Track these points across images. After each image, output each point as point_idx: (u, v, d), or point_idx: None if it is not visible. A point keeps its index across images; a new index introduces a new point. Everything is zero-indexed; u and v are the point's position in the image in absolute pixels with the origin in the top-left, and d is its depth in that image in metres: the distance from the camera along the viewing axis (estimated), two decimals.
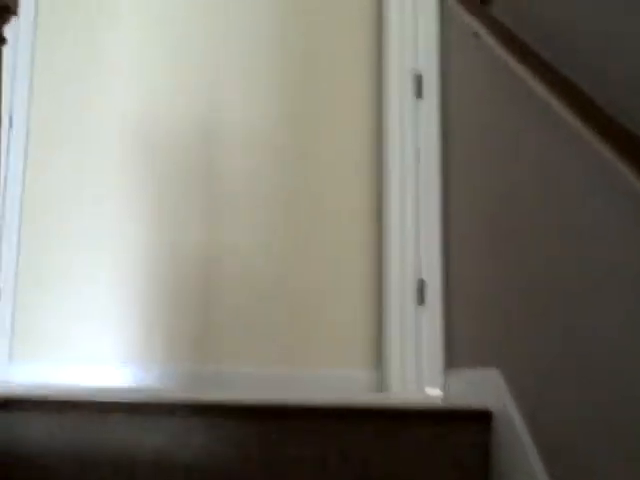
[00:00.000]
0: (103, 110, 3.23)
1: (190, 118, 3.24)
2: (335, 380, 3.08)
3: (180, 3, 3.31)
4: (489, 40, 1.89)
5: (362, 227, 3.21)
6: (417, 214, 3.14)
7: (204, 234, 3.17)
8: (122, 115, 3.23)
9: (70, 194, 3.19)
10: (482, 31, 1.92)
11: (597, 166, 1.52)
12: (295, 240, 3.19)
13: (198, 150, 3.22)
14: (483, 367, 2.12)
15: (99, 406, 1.96)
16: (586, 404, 1.59)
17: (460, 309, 2.36)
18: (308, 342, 3.13)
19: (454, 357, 2.39)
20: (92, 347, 3.08)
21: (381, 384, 3.10)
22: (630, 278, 1.40)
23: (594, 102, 1.45)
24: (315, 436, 2.01)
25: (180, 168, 3.21)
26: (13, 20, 2.06)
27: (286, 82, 3.27)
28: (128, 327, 3.10)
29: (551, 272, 1.76)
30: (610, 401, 1.48)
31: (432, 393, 2.98)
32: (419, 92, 3.18)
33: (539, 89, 1.68)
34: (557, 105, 1.57)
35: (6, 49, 1.96)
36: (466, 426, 2.07)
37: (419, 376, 3.07)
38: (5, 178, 3.09)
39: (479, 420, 2.07)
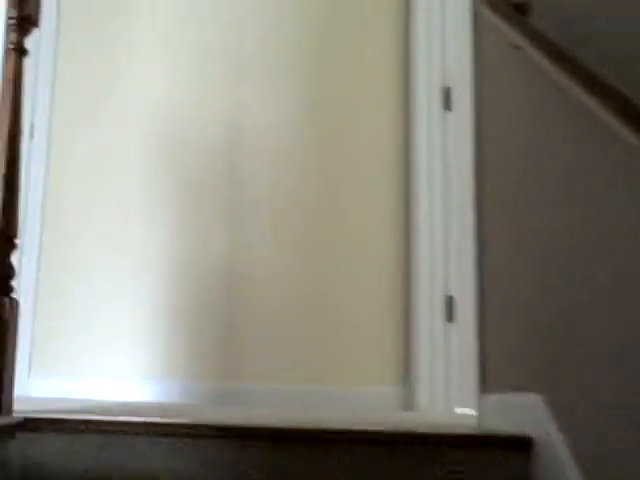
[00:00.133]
0: (125, 117, 3.17)
1: (214, 124, 3.19)
2: (362, 397, 3.01)
3: (205, 5, 3.26)
4: (533, 53, 1.82)
5: (389, 242, 3.15)
6: (446, 228, 3.08)
7: (227, 247, 3.11)
8: (144, 121, 3.17)
9: (92, 204, 3.13)
10: (525, 44, 1.85)
11: None
12: (320, 255, 3.13)
13: (221, 157, 3.16)
14: (522, 392, 2.05)
15: (121, 427, 1.90)
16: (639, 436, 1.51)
17: (495, 330, 2.28)
18: (333, 358, 3.06)
19: (489, 380, 2.31)
20: (113, 362, 3.02)
21: (409, 402, 3.03)
22: None
23: None
24: (347, 462, 1.94)
25: (203, 176, 3.15)
26: (35, 31, 2.02)
27: (312, 93, 3.21)
28: (150, 342, 3.04)
29: (600, 293, 1.69)
30: None
31: (462, 413, 2.91)
32: (447, 104, 3.12)
33: (593, 106, 1.62)
34: (613, 121, 1.50)
35: (28, 58, 1.92)
36: (506, 454, 1.99)
37: (448, 395, 3.01)
38: (26, 188, 3.04)
39: (519, 448, 1.99)
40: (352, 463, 1.97)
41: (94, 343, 3.04)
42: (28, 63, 1.97)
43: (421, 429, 2.07)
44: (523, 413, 2.07)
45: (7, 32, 1.89)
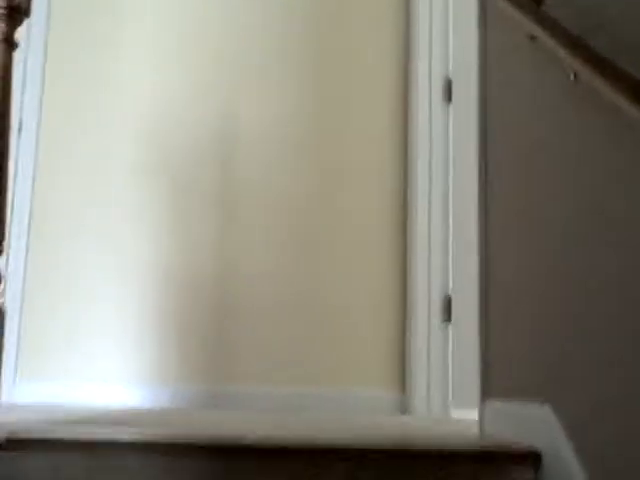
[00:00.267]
0: (114, 115, 3.05)
1: (205, 123, 3.07)
2: (357, 400, 2.92)
3: (198, 1, 3.14)
4: (548, 42, 1.71)
5: (386, 240, 3.05)
6: (445, 226, 2.99)
7: (218, 247, 3.00)
8: (134, 119, 3.05)
9: (80, 204, 3.01)
10: (540, 32, 1.75)
11: None
12: (314, 254, 3.02)
13: (213, 156, 3.05)
14: (530, 402, 1.95)
15: (110, 446, 1.78)
16: None
17: (499, 333, 2.18)
18: (328, 360, 2.96)
19: (492, 386, 2.21)
20: (101, 366, 2.90)
21: (405, 405, 2.95)
22: None
23: None
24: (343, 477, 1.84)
25: (193, 176, 3.04)
26: (25, 22, 1.90)
27: (307, 85, 3.10)
28: (139, 345, 2.93)
29: (614, 296, 1.58)
30: None
31: (460, 417, 2.83)
32: (448, 96, 3.03)
33: (610, 95, 1.52)
34: (630, 109, 1.40)
35: (17, 52, 1.81)
36: (512, 468, 1.89)
37: (445, 397, 2.93)
38: (14, 186, 2.92)
39: (526, 461, 1.89)
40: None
41: (82, 347, 2.92)
42: (17, 58, 1.87)
43: (421, 442, 1.97)
44: (531, 425, 1.97)
45: None
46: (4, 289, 2.82)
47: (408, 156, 3.06)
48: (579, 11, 1.90)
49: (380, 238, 3.04)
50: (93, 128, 3.04)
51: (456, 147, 3.00)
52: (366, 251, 3.03)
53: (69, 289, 2.95)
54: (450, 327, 2.96)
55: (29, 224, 2.97)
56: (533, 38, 1.81)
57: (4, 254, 1.72)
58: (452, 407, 2.92)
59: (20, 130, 2.98)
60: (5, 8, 1.78)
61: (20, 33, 1.84)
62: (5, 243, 1.72)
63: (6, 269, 2.86)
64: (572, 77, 1.77)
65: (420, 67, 3.04)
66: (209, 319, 2.94)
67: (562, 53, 1.76)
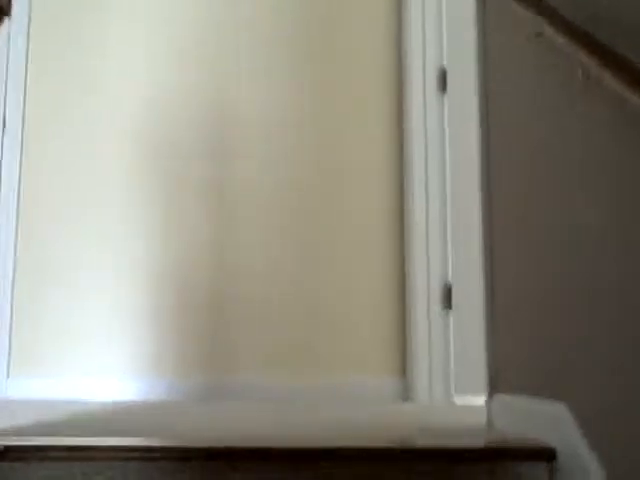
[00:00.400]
0: (103, 112, 3.01)
1: (198, 119, 3.05)
2: (358, 388, 2.92)
3: None
4: (558, 40, 1.69)
5: (383, 228, 3.05)
6: (443, 213, 2.98)
7: (214, 241, 2.99)
8: (123, 114, 3.02)
9: (69, 198, 2.98)
10: (548, 30, 1.72)
11: None
12: (312, 242, 3.02)
13: (207, 151, 3.03)
14: (542, 398, 1.95)
15: (108, 452, 1.77)
16: None
17: (508, 326, 2.17)
18: (327, 349, 2.97)
19: (500, 379, 2.22)
20: (96, 360, 2.89)
21: (407, 392, 2.94)
22: None
23: None
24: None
25: (187, 172, 3.02)
26: (6, 20, 1.85)
27: (300, 79, 3.08)
28: (135, 338, 2.92)
29: (628, 285, 1.58)
30: None
31: (463, 404, 2.82)
32: (443, 86, 3.00)
33: (629, 96, 1.50)
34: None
35: None
36: (526, 465, 1.89)
37: (447, 384, 2.93)
38: None
39: (541, 458, 1.89)
40: None
41: (76, 341, 2.90)
42: None
43: (431, 442, 1.96)
44: (544, 422, 1.97)
45: None
46: None
47: (404, 145, 3.06)
48: (574, 2, 1.87)
49: (378, 227, 3.04)
50: (80, 126, 3.01)
51: (452, 136, 2.98)
52: (364, 240, 3.03)
53: (62, 284, 2.93)
54: (451, 314, 2.96)
55: (17, 218, 2.95)
56: (539, 35, 1.79)
57: None
58: (455, 394, 2.92)
59: (4, 128, 2.93)
60: None
61: (2, 28, 1.79)
62: None
63: None
64: (580, 74, 1.75)
65: (414, 57, 3.01)
66: (205, 311, 2.93)
67: (570, 50, 1.73)
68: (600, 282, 1.69)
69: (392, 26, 3.11)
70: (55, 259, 2.93)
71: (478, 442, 1.92)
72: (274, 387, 2.89)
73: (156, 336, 2.92)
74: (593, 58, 1.67)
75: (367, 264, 3.02)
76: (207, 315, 2.94)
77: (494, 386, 2.27)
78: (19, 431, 1.94)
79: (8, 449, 1.74)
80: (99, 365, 2.89)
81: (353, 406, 2.67)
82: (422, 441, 1.91)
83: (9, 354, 2.87)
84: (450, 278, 2.94)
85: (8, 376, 2.86)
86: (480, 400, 2.54)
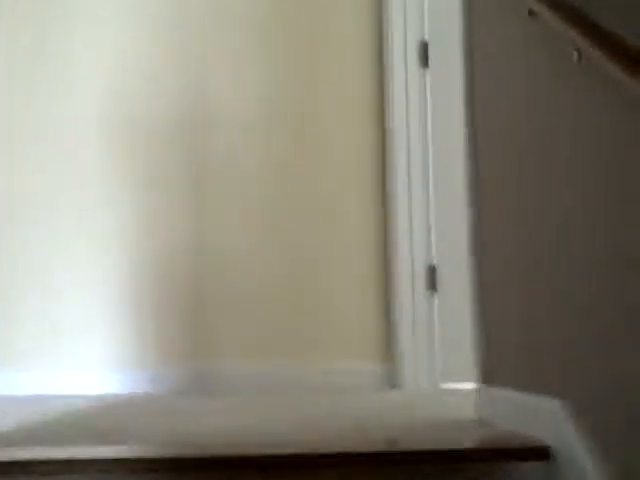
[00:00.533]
0: (72, 106, 2.88)
1: (176, 104, 2.92)
2: (342, 375, 2.85)
3: None
4: (554, 22, 1.60)
5: (365, 210, 2.97)
6: (426, 192, 2.91)
7: (194, 226, 2.90)
8: (100, 99, 2.89)
9: (48, 189, 2.86)
10: (543, 10, 1.63)
11: None
12: (293, 227, 2.93)
13: (185, 135, 2.91)
14: (537, 394, 1.88)
15: (96, 464, 1.69)
16: None
17: (498, 312, 2.10)
18: (311, 335, 2.90)
19: (492, 371, 2.15)
20: (76, 352, 2.80)
21: (393, 378, 2.89)
22: None
23: None
24: None
25: (165, 156, 2.91)
26: None
27: (277, 55, 2.96)
28: (115, 327, 2.83)
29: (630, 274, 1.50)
30: None
31: (449, 388, 2.78)
32: (425, 60, 2.91)
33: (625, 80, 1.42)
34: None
35: None
36: (520, 463, 1.83)
37: (433, 371, 2.88)
38: None
39: (535, 456, 1.83)
40: None
41: (55, 335, 2.80)
42: None
43: (418, 440, 1.89)
44: (537, 418, 1.91)
45: None
46: None
47: (386, 123, 2.96)
48: None
49: (359, 210, 2.97)
50: (51, 125, 2.89)
51: (435, 112, 2.90)
52: (345, 222, 2.96)
53: (38, 276, 2.83)
54: (436, 296, 2.90)
55: None
56: (532, 14, 1.70)
57: None
58: (441, 378, 2.87)
59: None
60: None
61: None
62: None
63: None
64: (575, 56, 1.66)
65: (395, 30, 2.92)
66: (187, 299, 2.86)
67: (564, 29, 1.65)
68: (599, 266, 1.62)
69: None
70: (30, 252, 2.83)
71: (469, 440, 1.85)
72: (258, 375, 2.82)
73: (137, 326, 2.83)
74: (588, 39, 1.59)
75: (349, 247, 2.94)
76: (188, 303, 2.85)
77: (485, 377, 2.20)
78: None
79: None
80: (79, 358, 2.80)
81: (338, 397, 2.60)
82: (408, 439, 1.84)
83: None
84: (435, 260, 2.88)
85: None
86: (469, 386, 2.49)
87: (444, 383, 2.87)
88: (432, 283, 2.88)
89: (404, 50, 2.92)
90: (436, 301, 2.89)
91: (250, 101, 2.94)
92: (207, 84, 2.94)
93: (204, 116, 2.93)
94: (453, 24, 2.66)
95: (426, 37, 2.91)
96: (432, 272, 2.88)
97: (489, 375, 2.17)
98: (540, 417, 1.83)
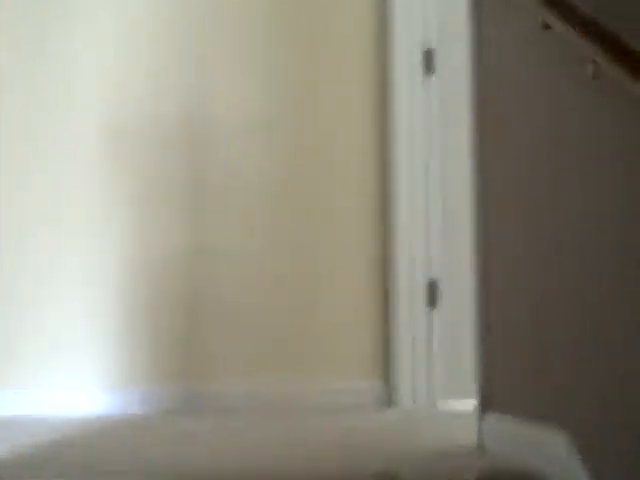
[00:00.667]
0: (73, 107, 2.77)
1: (170, 107, 2.82)
2: (338, 394, 2.77)
3: None
4: (566, 33, 1.52)
5: (366, 224, 2.88)
6: (427, 207, 2.83)
7: (188, 240, 2.79)
8: (92, 107, 2.78)
9: (40, 202, 2.74)
10: (559, 25, 1.55)
11: None
12: (292, 239, 2.84)
13: (180, 141, 2.81)
14: (541, 423, 1.79)
15: None
16: None
17: (505, 334, 2.01)
18: (308, 353, 2.81)
19: (493, 395, 2.06)
20: (67, 372, 2.68)
21: (389, 397, 2.82)
22: None
23: None
24: None
25: (160, 164, 2.80)
26: None
27: (278, 63, 2.85)
28: (107, 346, 2.72)
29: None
30: None
31: (446, 407, 2.72)
32: (429, 67, 2.84)
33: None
34: None
35: None
36: None
37: (430, 389, 2.81)
38: None
39: None
40: None
41: (45, 353, 2.69)
42: None
43: (419, 475, 1.80)
44: (540, 449, 1.82)
45: None
46: None
47: (388, 133, 2.87)
48: None
49: (360, 222, 2.88)
50: (46, 125, 2.78)
51: (440, 122, 2.83)
52: (346, 236, 2.86)
53: (29, 291, 2.73)
54: (436, 312, 2.84)
55: None
56: (547, 27, 1.61)
57: None
58: (439, 396, 2.81)
59: None
60: None
61: None
62: None
63: None
64: (590, 70, 1.58)
65: (398, 36, 2.84)
66: (180, 315, 2.75)
67: (579, 43, 1.57)
68: (611, 289, 1.54)
69: (376, 4, 2.90)
70: (21, 269, 2.72)
71: (469, 471, 1.76)
72: (253, 394, 2.73)
73: (129, 343, 2.73)
74: (604, 53, 1.51)
75: (348, 262, 2.84)
76: (182, 320, 2.74)
77: (485, 401, 2.11)
78: None
79: None
80: (69, 377, 2.69)
81: (334, 419, 2.51)
82: (406, 472, 1.75)
83: None
84: (435, 274, 2.80)
85: None
86: (468, 406, 2.41)
87: (442, 403, 2.80)
88: (432, 299, 2.81)
89: (408, 56, 2.85)
90: (436, 318, 2.82)
91: (251, 106, 2.82)
92: (207, 85, 2.83)
93: (205, 118, 2.83)
94: (460, 30, 2.57)
95: (432, 44, 2.84)
96: (432, 288, 2.81)
97: (490, 399, 2.08)
98: (544, 449, 1.75)
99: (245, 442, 2.07)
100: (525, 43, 1.82)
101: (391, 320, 2.81)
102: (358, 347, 2.81)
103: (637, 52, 1.40)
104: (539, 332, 1.84)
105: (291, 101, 2.84)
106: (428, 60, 2.84)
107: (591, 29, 1.49)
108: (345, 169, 2.86)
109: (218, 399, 2.71)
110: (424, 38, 2.84)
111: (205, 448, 1.98)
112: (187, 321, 2.76)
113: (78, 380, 2.71)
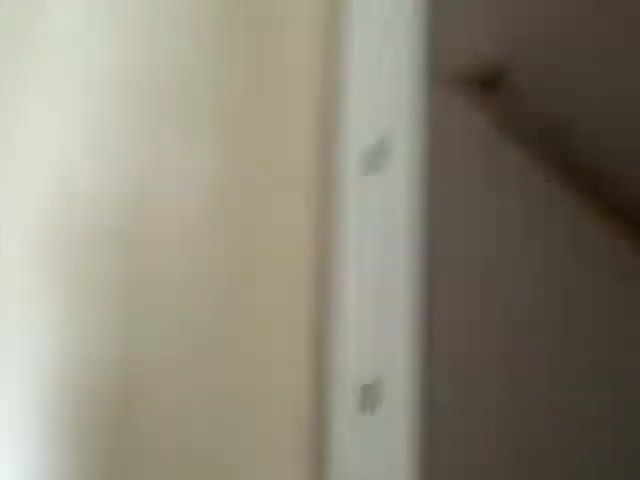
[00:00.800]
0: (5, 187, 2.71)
1: (108, 194, 2.76)
2: None
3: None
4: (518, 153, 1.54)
5: (298, 322, 2.80)
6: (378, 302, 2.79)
7: (119, 347, 2.68)
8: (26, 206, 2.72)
9: None
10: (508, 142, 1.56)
11: None
12: (228, 345, 2.74)
13: (117, 237, 2.74)
14: None
15: None
16: None
17: (454, 451, 1.95)
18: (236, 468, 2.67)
19: None
20: None
21: None
22: None
23: None
24: None
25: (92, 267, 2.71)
26: None
27: (216, 160, 2.83)
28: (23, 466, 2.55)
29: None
30: None
31: None
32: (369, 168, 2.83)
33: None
34: None
35: None
36: None
37: None
38: None
39: None
40: None
41: None
42: None
43: None
44: None
45: None
46: None
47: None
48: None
49: (292, 321, 2.80)
50: None
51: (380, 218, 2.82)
52: (280, 340, 2.78)
53: None
54: (371, 419, 2.75)
55: None
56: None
57: None
58: None
59: None
60: None
61: None
62: None
63: None
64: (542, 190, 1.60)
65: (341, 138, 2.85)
66: (109, 433, 2.61)
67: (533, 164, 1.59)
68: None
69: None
70: None
71: None
72: None
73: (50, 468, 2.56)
74: (557, 174, 1.53)
75: (276, 369, 2.75)
76: (111, 438, 2.61)
77: None
78: None
79: None
80: None
81: None
82: None
83: None
84: (373, 375, 2.73)
85: None
86: None
87: None
88: (367, 403, 2.73)
89: (348, 153, 2.84)
90: (369, 426, 2.72)
91: (186, 208, 2.79)
92: (147, 186, 2.79)
93: (140, 216, 2.78)
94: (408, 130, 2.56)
95: (374, 141, 2.82)
96: (368, 390, 2.74)
97: None
98: None
99: None
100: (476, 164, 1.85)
101: (322, 428, 2.73)
102: (292, 461, 2.70)
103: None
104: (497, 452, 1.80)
105: (231, 203, 2.81)
106: (369, 159, 2.84)
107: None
108: (278, 268, 2.80)
109: None
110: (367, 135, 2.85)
111: None
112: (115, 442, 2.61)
113: None
